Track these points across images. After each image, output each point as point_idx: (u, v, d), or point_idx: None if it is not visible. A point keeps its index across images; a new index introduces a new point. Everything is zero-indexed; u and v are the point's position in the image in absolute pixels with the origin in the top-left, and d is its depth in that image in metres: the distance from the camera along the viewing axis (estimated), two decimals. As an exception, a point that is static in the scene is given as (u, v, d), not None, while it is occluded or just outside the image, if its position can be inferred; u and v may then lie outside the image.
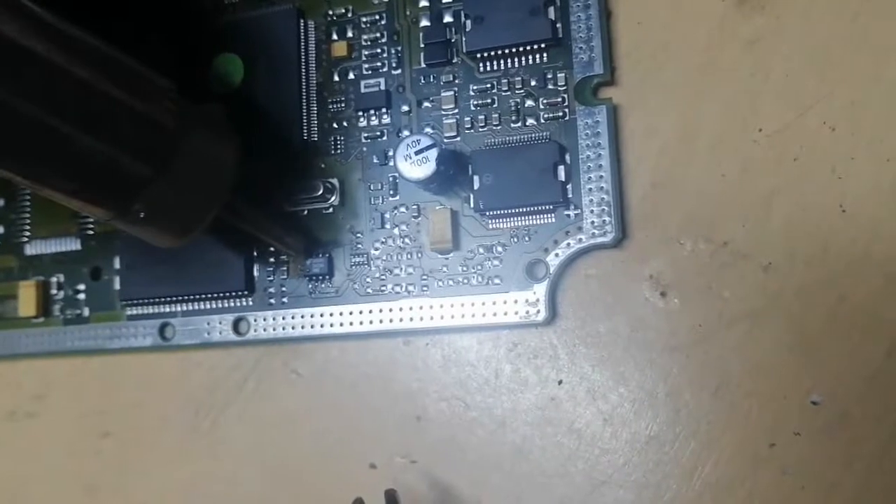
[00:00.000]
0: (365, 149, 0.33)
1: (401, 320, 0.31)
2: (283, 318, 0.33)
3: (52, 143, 0.25)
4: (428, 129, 0.32)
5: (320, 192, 0.32)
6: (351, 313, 0.32)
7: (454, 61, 0.32)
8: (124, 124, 0.26)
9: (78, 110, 0.25)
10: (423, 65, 0.32)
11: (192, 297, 0.34)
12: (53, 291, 0.37)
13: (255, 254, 0.34)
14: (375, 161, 0.32)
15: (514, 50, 0.31)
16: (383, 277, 0.32)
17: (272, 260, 0.33)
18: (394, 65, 0.33)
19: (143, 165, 0.27)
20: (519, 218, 0.30)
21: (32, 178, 0.26)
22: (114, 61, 0.27)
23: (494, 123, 0.31)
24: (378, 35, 0.33)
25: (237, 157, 0.29)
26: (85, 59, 0.25)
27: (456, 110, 0.32)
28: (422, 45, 0.32)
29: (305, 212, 0.33)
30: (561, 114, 0.30)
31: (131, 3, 0.36)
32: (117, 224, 0.28)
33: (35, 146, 0.25)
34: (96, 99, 0.25)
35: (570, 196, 0.30)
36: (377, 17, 0.33)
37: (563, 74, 0.31)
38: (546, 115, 0.31)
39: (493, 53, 0.31)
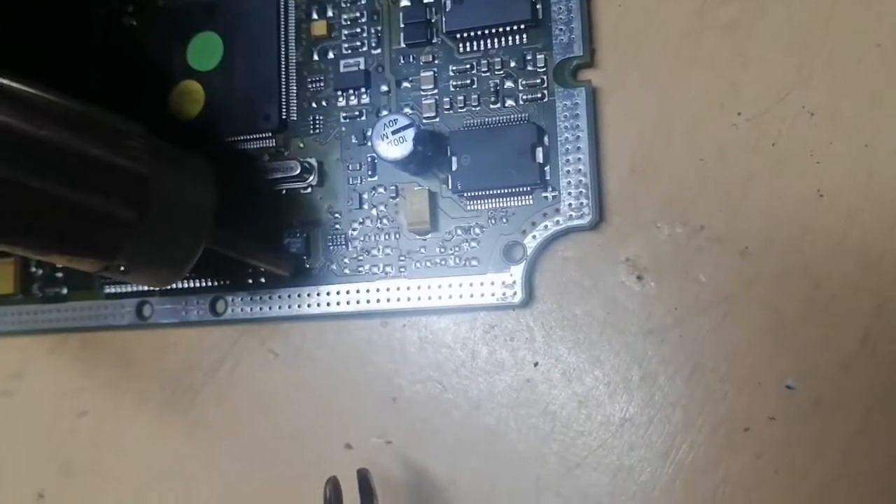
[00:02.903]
0: (344, 129, 0.33)
1: (378, 301, 0.31)
2: (261, 299, 0.33)
3: (26, 205, 0.25)
4: (407, 110, 0.32)
5: (298, 171, 0.32)
6: (328, 294, 0.32)
7: (434, 41, 0.32)
8: (97, 180, 0.26)
9: (50, 172, 0.25)
10: (403, 45, 0.32)
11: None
12: (32, 269, 0.36)
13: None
14: (354, 141, 0.32)
15: (493, 30, 0.31)
16: (361, 258, 0.32)
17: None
18: (373, 44, 0.32)
19: (121, 216, 0.27)
20: (497, 199, 0.30)
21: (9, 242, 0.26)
22: (79, 117, 0.26)
23: (473, 104, 0.31)
24: (358, 14, 0.33)
25: (216, 193, 0.29)
26: (50, 122, 0.25)
27: (435, 91, 0.31)
28: (401, 25, 0.32)
29: (283, 192, 0.33)
30: (540, 95, 0.30)
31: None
32: (104, 274, 0.28)
33: (11, 209, 0.25)
34: (68, 159, 0.25)
35: (547, 178, 0.30)
36: (357, -5, 0.33)
37: (542, 56, 0.30)
38: (525, 97, 0.30)
39: (472, 34, 0.31)
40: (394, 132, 0.29)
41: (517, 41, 0.31)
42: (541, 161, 0.30)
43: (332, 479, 0.28)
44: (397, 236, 0.31)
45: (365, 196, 0.32)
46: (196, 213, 0.29)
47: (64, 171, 0.25)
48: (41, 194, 0.25)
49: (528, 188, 0.30)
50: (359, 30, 0.33)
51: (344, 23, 0.33)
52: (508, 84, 0.31)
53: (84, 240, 0.26)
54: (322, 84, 0.33)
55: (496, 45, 0.31)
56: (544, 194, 0.30)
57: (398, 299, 0.31)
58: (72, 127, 0.26)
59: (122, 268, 0.28)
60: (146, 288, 0.34)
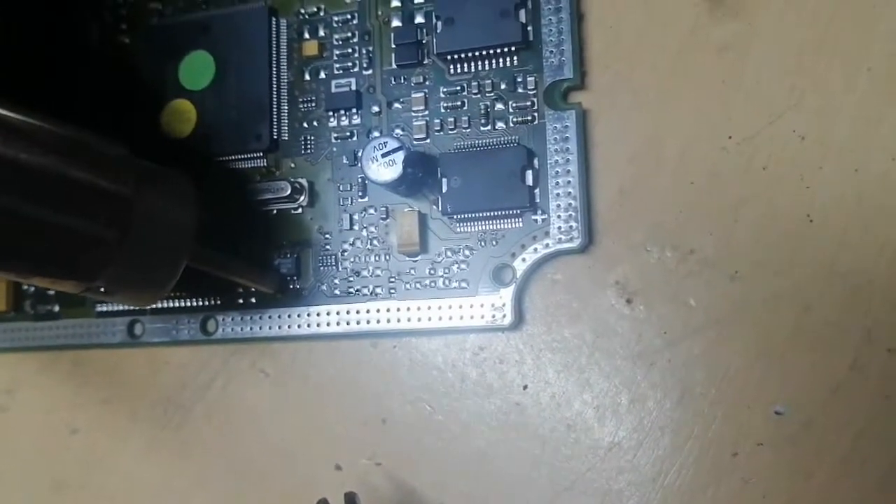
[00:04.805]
0: (335, 149, 0.33)
1: (368, 322, 0.31)
2: (251, 318, 0.33)
3: (6, 229, 0.25)
4: (398, 131, 0.32)
5: (289, 192, 0.32)
6: (318, 314, 0.32)
7: (425, 63, 0.32)
8: (80, 203, 0.26)
9: (32, 196, 0.25)
10: (394, 65, 0.32)
11: (160, 295, 0.34)
12: (24, 287, 0.36)
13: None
14: (345, 162, 0.32)
15: (484, 52, 0.31)
16: (351, 279, 0.32)
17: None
18: (365, 65, 0.32)
19: (104, 238, 0.26)
20: (486, 222, 0.30)
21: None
22: (61, 140, 0.26)
23: (464, 126, 0.31)
24: (349, 35, 0.33)
25: (198, 212, 0.29)
26: (32, 146, 0.25)
27: (426, 112, 0.31)
28: (393, 46, 0.32)
29: (274, 212, 0.33)
30: (530, 118, 0.30)
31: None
32: (85, 294, 0.28)
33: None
34: (50, 184, 0.25)
35: (537, 201, 0.30)
36: (349, 16, 0.33)
37: (532, 78, 0.30)
38: (515, 119, 0.30)
39: (463, 55, 0.31)
40: (384, 155, 0.29)
41: (508, 63, 0.31)
42: (530, 184, 0.30)
43: (323, 502, 0.28)
44: (387, 257, 0.31)
45: (355, 217, 0.32)
46: (178, 232, 0.29)
47: (46, 195, 0.25)
48: (22, 219, 0.25)
49: (518, 211, 0.30)
50: (350, 50, 0.33)
51: (335, 43, 0.33)
52: (499, 106, 0.31)
53: (65, 262, 0.26)
54: (313, 104, 0.33)
55: (487, 67, 0.31)
56: (534, 217, 0.30)
57: (388, 320, 0.31)
58: (54, 150, 0.26)
59: (103, 289, 0.28)
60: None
